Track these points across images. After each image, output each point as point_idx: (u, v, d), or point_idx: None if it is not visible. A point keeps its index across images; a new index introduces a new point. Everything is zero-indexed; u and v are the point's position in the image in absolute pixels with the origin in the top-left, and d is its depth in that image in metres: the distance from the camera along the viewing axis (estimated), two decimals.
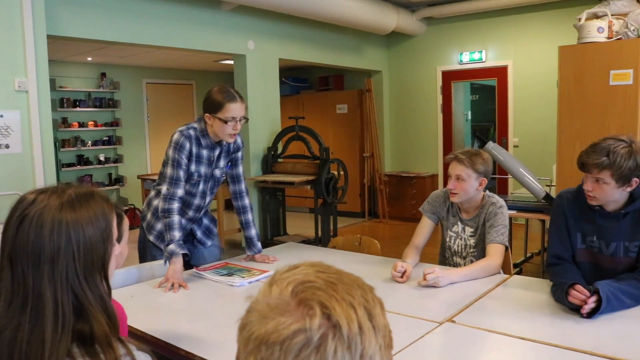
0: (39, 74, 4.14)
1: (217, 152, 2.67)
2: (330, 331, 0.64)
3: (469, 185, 2.53)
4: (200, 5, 5.58)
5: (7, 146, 3.99)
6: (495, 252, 2.47)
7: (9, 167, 4.00)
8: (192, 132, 2.58)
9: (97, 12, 4.74)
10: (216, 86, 2.58)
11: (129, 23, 5.01)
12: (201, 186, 2.69)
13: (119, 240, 1.18)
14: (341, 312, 0.65)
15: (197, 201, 2.71)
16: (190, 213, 2.73)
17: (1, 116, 3.95)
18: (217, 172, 2.73)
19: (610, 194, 2.03)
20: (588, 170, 2.03)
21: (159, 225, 2.71)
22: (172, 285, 2.37)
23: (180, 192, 2.57)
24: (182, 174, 2.56)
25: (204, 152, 2.62)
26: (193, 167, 2.61)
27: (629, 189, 2.02)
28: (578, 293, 1.88)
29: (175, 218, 2.53)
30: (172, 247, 2.48)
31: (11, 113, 4.01)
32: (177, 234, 2.50)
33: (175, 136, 2.56)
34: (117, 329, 1.08)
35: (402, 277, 2.37)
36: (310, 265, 0.73)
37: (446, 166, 2.65)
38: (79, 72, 8.18)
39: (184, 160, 2.56)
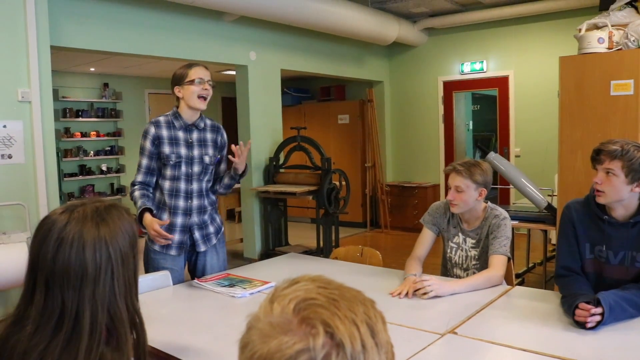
0: (42, 85, 4.16)
1: (194, 135, 2.75)
2: (334, 350, 0.63)
3: (468, 196, 2.53)
4: (203, 16, 5.61)
5: (9, 156, 4.00)
6: (497, 263, 2.46)
7: (11, 177, 4.01)
8: (161, 118, 2.76)
9: (100, 23, 4.78)
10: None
11: (132, 34, 5.04)
12: (183, 168, 2.71)
13: (140, 253, 1.19)
14: (344, 331, 0.64)
15: (183, 185, 2.73)
16: (181, 203, 2.72)
17: (4, 126, 3.97)
18: (207, 159, 2.77)
19: (618, 189, 2.04)
20: (599, 160, 2.08)
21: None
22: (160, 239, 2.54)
23: (140, 177, 2.73)
24: (144, 161, 2.72)
25: (180, 134, 2.72)
26: (167, 149, 2.69)
27: (637, 189, 2.03)
28: (583, 311, 1.87)
29: (137, 192, 2.69)
30: (137, 205, 2.63)
31: (14, 123, 4.03)
32: (140, 200, 2.65)
33: (145, 126, 2.76)
34: (144, 346, 1.08)
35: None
36: (311, 280, 0.72)
37: (447, 176, 2.65)
38: (81, 82, 8.22)
39: (148, 146, 2.70)
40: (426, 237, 2.71)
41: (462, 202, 2.54)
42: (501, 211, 2.60)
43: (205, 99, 2.71)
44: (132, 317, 1.08)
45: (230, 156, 2.80)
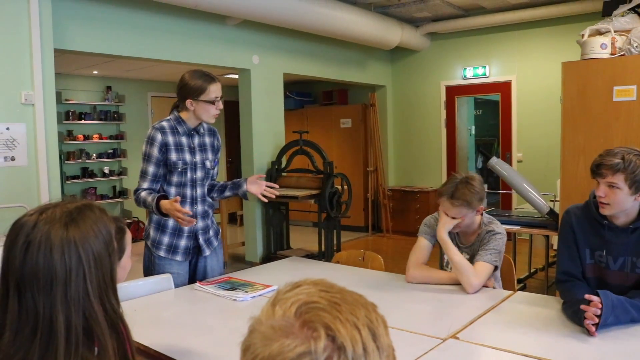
0: (46, 87, 4.18)
1: (195, 140, 2.73)
2: (335, 353, 0.63)
3: (468, 219, 2.50)
4: (206, 20, 5.63)
5: (12, 158, 4.01)
6: (480, 270, 2.40)
7: (14, 180, 4.02)
8: (165, 123, 2.68)
9: (103, 26, 4.79)
10: (186, 72, 2.67)
11: (135, 37, 5.05)
12: (189, 174, 2.70)
13: (121, 253, 1.17)
14: (346, 334, 0.64)
15: (189, 191, 2.72)
16: (187, 208, 2.70)
17: (7, 129, 3.98)
18: (208, 164, 2.77)
19: (623, 201, 2.02)
20: (601, 175, 2.03)
21: (165, 239, 2.72)
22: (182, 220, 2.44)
23: (145, 184, 2.64)
24: (151, 168, 2.64)
25: (184, 140, 2.68)
26: (174, 156, 2.65)
27: None
28: (592, 308, 1.85)
29: (142, 194, 2.61)
30: (149, 200, 2.56)
31: (17, 126, 4.04)
32: (148, 197, 2.58)
33: (148, 131, 2.67)
34: (125, 347, 1.07)
35: None
36: (313, 283, 0.73)
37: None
38: (84, 85, 8.24)
39: (155, 153, 2.63)
40: (423, 245, 2.64)
41: (463, 225, 2.52)
42: (495, 227, 2.53)
43: (218, 114, 2.70)
44: (112, 319, 1.04)
45: (260, 193, 2.79)
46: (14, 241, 1.02)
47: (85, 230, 1.04)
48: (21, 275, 0.99)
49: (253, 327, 0.69)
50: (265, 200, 2.82)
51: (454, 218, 2.47)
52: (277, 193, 2.84)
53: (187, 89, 2.62)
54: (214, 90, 2.62)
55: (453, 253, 2.43)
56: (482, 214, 2.59)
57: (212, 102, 2.62)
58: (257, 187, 2.81)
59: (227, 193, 2.88)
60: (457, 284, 2.47)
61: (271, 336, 0.66)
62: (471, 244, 2.58)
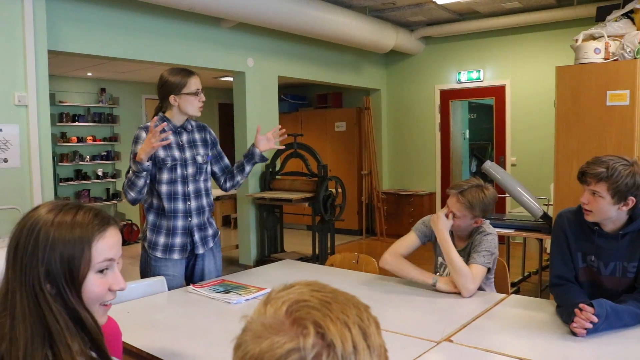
0: (39, 89, 4.16)
1: (184, 137, 2.75)
2: (325, 350, 0.64)
3: (464, 223, 2.51)
4: (200, 22, 5.63)
5: (5, 160, 3.99)
6: (473, 274, 2.39)
7: (7, 181, 4.00)
8: (149, 123, 2.67)
9: (97, 28, 4.78)
10: (164, 71, 2.72)
11: (130, 39, 5.04)
12: (179, 170, 2.71)
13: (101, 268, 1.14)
14: (335, 332, 0.65)
15: (180, 188, 2.71)
16: (180, 205, 2.71)
17: (0, 130, 3.96)
18: (199, 159, 2.78)
19: (605, 210, 2.03)
20: (586, 182, 2.05)
21: (161, 239, 2.71)
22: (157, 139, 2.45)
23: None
24: None
25: (171, 137, 2.68)
26: (162, 153, 2.66)
27: (624, 208, 2.02)
28: (584, 314, 1.85)
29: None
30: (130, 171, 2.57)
31: (10, 127, 4.02)
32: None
33: (135, 132, 2.70)
34: (98, 345, 1.07)
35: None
36: (306, 284, 0.73)
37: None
38: (78, 87, 8.21)
39: None
40: (411, 239, 2.66)
41: (457, 226, 2.53)
42: (486, 228, 2.54)
43: (202, 106, 2.75)
44: (76, 316, 1.05)
45: (260, 136, 2.84)
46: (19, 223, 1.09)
47: (63, 229, 1.07)
48: (8, 248, 1.06)
49: (245, 325, 0.70)
50: (283, 147, 2.83)
51: (453, 216, 2.49)
52: (285, 132, 2.93)
53: (168, 85, 2.67)
54: (195, 83, 2.68)
55: (454, 255, 2.42)
56: (479, 226, 2.57)
57: (195, 94, 2.67)
58: (266, 142, 2.87)
59: (247, 168, 2.89)
60: (426, 287, 2.48)
61: (262, 333, 0.66)
62: (464, 248, 2.58)
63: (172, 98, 2.66)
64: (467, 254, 2.53)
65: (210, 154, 2.86)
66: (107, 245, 1.11)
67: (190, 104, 2.68)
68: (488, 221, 2.61)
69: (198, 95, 2.69)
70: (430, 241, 2.69)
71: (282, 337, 0.65)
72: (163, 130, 2.50)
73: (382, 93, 8.49)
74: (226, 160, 2.94)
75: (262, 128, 2.96)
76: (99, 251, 1.09)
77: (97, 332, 1.07)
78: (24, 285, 1.02)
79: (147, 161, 2.52)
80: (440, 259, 2.66)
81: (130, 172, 2.58)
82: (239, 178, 2.91)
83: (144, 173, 2.55)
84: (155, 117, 2.72)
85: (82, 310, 1.06)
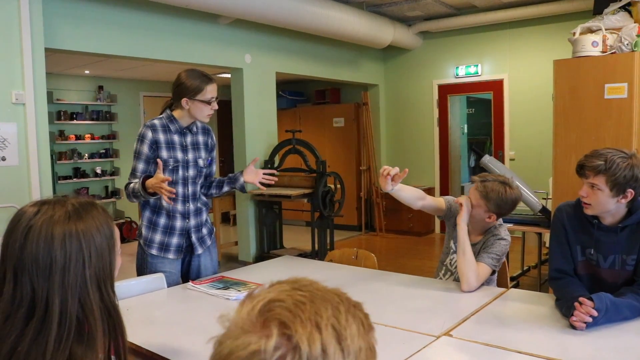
0: (37, 87, 4.15)
1: (188, 138, 2.73)
2: (290, 353, 0.61)
3: (476, 214, 2.51)
4: (198, 19, 5.61)
5: (3, 158, 3.98)
6: (479, 271, 2.40)
7: (5, 180, 3.99)
8: (156, 121, 2.68)
9: (95, 25, 4.76)
10: (183, 71, 2.67)
11: (127, 36, 5.03)
12: (181, 172, 2.70)
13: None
14: (303, 333, 0.62)
15: (180, 189, 2.70)
16: (179, 206, 2.71)
17: None
18: (200, 162, 2.77)
19: (603, 203, 2.03)
20: (584, 175, 2.05)
21: (157, 237, 2.71)
22: (164, 192, 2.41)
23: (135, 181, 2.63)
24: (140, 165, 2.64)
25: (175, 138, 2.68)
26: (165, 154, 2.65)
27: (623, 201, 2.02)
28: (581, 309, 1.86)
29: (131, 184, 2.61)
30: (137, 187, 2.54)
31: (8, 125, 4.01)
32: (137, 184, 2.56)
33: (139, 129, 2.68)
34: (123, 339, 1.08)
35: (387, 176, 2.41)
36: (292, 282, 0.71)
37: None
38: (76, 85, 8.20)
39: (145, 150, 2.64)
40: (437, 198, 2.71)
41: (471, 216, 2.53)
42: (501, 232, 2.53)
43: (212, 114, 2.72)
44: (107, 309, 1.07)
45: (252, 167, 2.82)
46: (15, 226, 1.05)
47: (89, 224, 1.07)
48: (20, 258, 1.02)
49: (224, 324, 0.69)
50: (264, 189, 2.83)
51: (471, 203, 2.50)
52: (276, 179, 2.86)
53: (183, 88, 2.61)
54: (211, 91, 2.62)
55: (467, 246, 2.41)
56: (494, 227, 2.57)
57: (208, 102, 2.63)
58: (253, 175, 2.82)
59: (225, 188, 2.89)
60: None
61: (234, 333, 0.65)
62: (476, 243, 2.57)
63: (184, 101, 2.62)
64: (476, 252, 2.52)
65: (209, 158, 2.85)
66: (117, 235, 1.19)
67: (200, 111, 2.64)
68: (506, 226, 2.60)
69: (211, 104, 2.64)
70: (444, 219, 2.69)
71: (251, 338, 0.63)
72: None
73: (380, 88, 8.48)
74: (213, 169, 2.93)
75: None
76: None
77: (120, 328, 1.11)
78: (68, 294, 1.03)
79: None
80: (452, 244, 2.66)
81: (137, 185, 2.54)
82: (213, 192, 2.91)
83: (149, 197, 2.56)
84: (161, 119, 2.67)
85: (116, 306, 1.11)
